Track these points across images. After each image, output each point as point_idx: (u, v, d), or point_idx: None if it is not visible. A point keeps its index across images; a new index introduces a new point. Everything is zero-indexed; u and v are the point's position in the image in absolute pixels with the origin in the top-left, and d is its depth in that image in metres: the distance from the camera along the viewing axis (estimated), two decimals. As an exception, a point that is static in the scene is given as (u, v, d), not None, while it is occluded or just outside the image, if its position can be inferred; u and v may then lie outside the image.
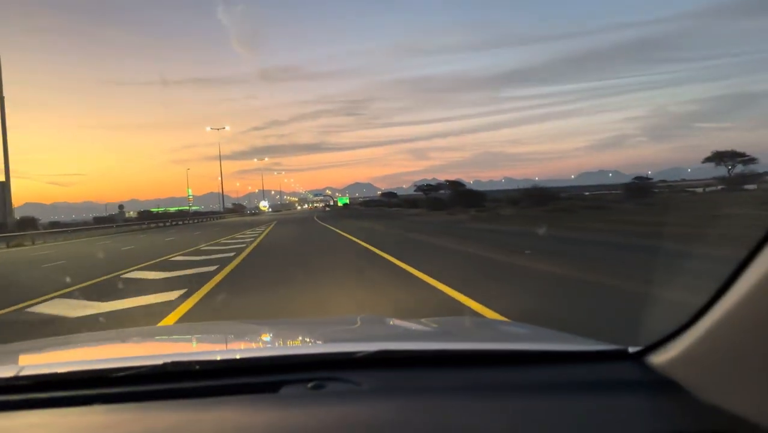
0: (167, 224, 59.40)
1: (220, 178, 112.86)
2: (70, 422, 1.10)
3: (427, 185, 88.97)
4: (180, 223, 62.48)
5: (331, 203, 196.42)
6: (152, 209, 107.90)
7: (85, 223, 59.23)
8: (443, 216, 36.49)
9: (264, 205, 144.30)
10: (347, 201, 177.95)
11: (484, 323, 2.55)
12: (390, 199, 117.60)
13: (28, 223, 41.10)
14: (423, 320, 2.18)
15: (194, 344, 2.06)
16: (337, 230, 24.19)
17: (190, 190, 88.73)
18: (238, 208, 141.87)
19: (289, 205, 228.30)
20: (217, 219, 77.73)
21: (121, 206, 68.87)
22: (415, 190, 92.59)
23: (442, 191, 77.18)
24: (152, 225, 55.84)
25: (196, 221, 69.59)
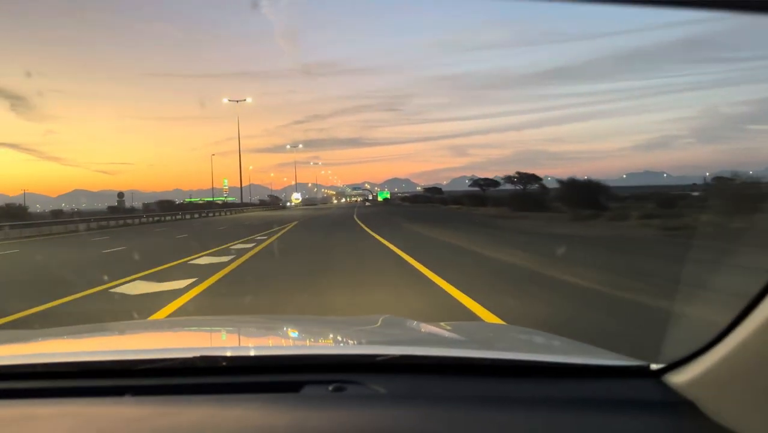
0: (166, 218, 47.87)
1: (239, 165, 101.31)
2: (101, 413, 1.12)
3: (485, 180, 78.24)
4: (187, 216, 52.50)
5: (370, 198, 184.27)
6: (187, 200, 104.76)
7: (92, 213, 47.26)
8: (557, 221, 23.64)
9: (296, 197, 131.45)
10: (388, 195, 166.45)
11: (504, 330, 2.52)
12: (434, 195, 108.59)
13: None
14: (443, 324, 2.17)
15: (221, 338, 2.07)
16: (413, 261, 10.44)
17: (226, 181, 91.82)
18: (273, 201, 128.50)
19: (326, 199, 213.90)
20: (231, 213, 65.61)
21: (120, 194, 53.76)
22: (470, 185, 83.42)
23: (500, 186, 70.91)
24: (149, 219, 45.27)
25: (206, 213, 59.64)
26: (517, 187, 68.72)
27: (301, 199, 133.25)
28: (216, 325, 2.52)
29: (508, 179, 71.23)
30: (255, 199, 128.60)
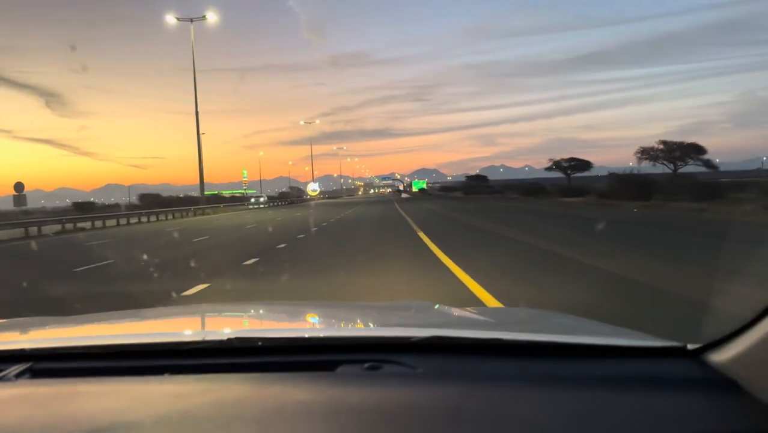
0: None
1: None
2: (143, 390, 1.16)
3: (572, 160, 65.88)
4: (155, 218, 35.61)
5: (401, 188, 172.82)
6: (217, 192, 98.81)
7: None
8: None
9: (313, 189, 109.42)
10: (424, 185, 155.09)
11: (537, 315, 2.41)
12: (478, 184, 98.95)
13: None
14: (475, 309, 2.22)
15: (256, 321, 2.19)
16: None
17: (245, 172, 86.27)
18: (295, 192, 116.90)
19: (352, 191, 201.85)
20: (210, 212, 44.84)
21: (18, 186, 27.23)
22: (550, 168, 69.00)
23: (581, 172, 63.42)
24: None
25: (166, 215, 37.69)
26: (559, 175, 64.74)
27: (318, 190, 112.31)
28: (248, 309, 2.56)
29: (557, 165, 65.97)
30: (275, 191, 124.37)
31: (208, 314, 2.34)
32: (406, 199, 78.28)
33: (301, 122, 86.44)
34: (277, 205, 72.02)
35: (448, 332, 1.39)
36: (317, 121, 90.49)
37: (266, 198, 77.65)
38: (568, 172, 66.85)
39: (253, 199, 70.83)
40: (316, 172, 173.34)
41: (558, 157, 68.34)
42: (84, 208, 45.45)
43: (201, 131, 45.68)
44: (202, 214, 42.28)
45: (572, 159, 68.58)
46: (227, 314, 2.36)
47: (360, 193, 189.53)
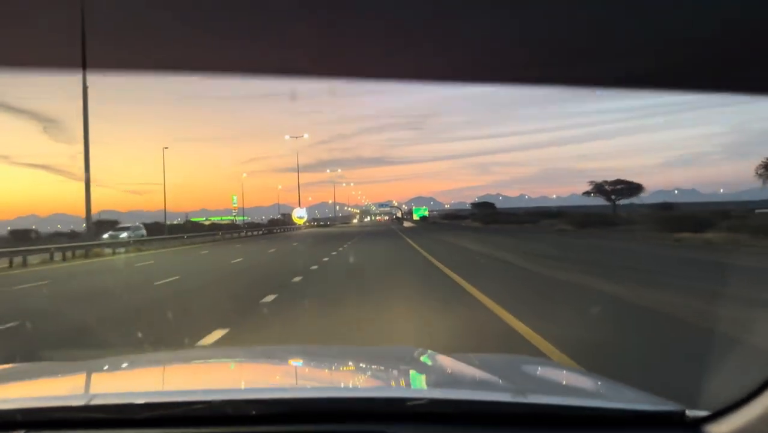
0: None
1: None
2: None
3: (618, 183, 55.60)
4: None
5: (400, 216, 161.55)
6: (204, 219, 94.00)
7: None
8: None
9: (300, 216, 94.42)
10: (426, 213, 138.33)
11: (535, 365, 2.36)
12: (483, 211, 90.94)
13: None
14: (471, 355, 2.14)
15: (240, 380, 2.04)
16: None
17: (235, 198, 79.09)
18: (287, 220, 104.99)
19: (347, 218, 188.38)
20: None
21: None
22: (587, 192, 58.61)
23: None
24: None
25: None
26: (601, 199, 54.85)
27: (305, 217, 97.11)
28: (229, 356, 2.48)
29: (598, 190, 55.92)
30: (268, 218, 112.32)
31: (194, 361, 2.28)
32: (411, 229, 64.18)
33: (287, 137, 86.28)
34: (249, 235, 54.79)
35: (445, 393, 1.35)
36: (305, 135, 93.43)
37: (142, 229, 42.18)
38: (613, 198, 55.68)
39: (108, 235, 35.57)
40: (310, 199, 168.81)
41: (600, 180, 57.28)
42: (19, 237, 37.07)
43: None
44: (84, 257, 25.70)
45: (618, 182, 56.79)
46: (214, 360, 2.30)
47: (355, 221, 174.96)
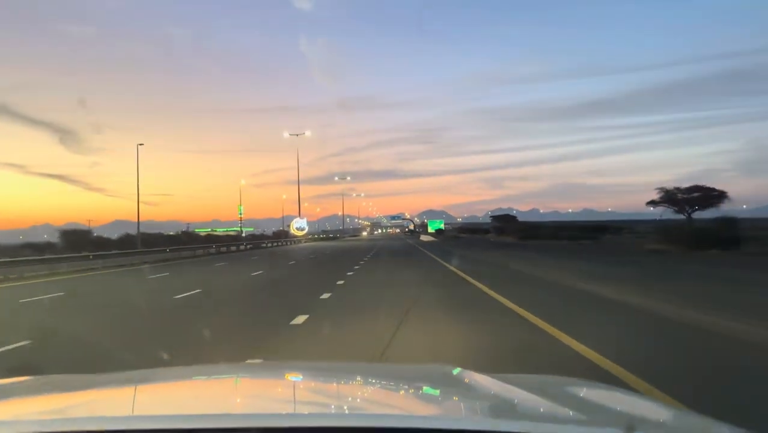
0: None
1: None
2: None
3: (695, 190, 43.11)
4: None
5: (412, 228, 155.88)
6: (210, 229, 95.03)
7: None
8: None
9: (300, 228, 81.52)
10: (442, 226, 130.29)
11: (567, 385, 1.88)
12: (504, 225, 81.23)
13: None
14: (511, 376, 1.89)
15: (265, 404, 1.71)
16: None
17: (241, 208, 75.63)
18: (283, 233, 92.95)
19: (356, 230, 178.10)
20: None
21: None
22: (653, 202, 45.62)
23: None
24: None
25: None
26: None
27: (306, 229, 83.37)
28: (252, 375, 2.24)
29: (668, 198, 43.50)
30: (273, 230, 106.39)
31: (214, 376, 2.12)
32: (431, 244, 54.75)
33: (286, 134, 74.64)
34: (228, 252, 44.41)
35: (497, 424, 1.23)
36: (307, 133, 74.97)
37: None
38: (688, 209, 42.95)
39: None
40: (318, 210, 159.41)
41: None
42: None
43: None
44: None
45: (695, 188, 43.73)
46: (224, 376, 2.13)
47: (365, 234, 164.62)
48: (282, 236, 79.30)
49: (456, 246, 43.44)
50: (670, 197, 44.36)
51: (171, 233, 65.54)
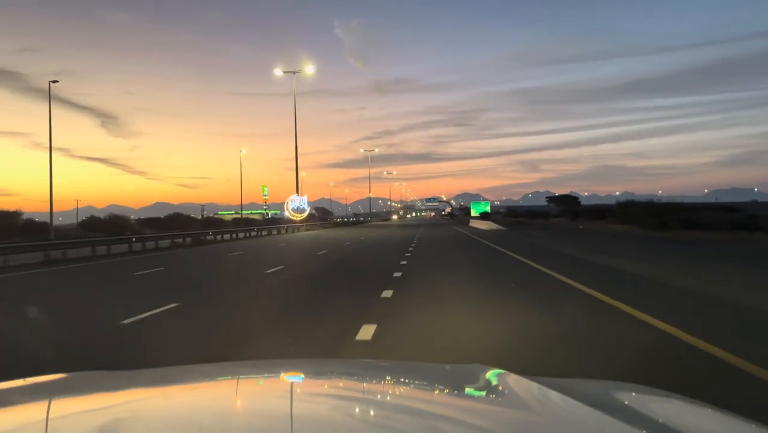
0: None
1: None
2: None
3: None
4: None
5: (450, 212, 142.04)
6: (234, 212, 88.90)
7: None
8: None
9: (298, 209, 59.80)
10: (488, 208, 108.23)
11: (675, 408, 1.42)
12: (565, 208, 73.40)
13: None
14: (556, 381, 1.53)
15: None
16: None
17: (265, 189, 71.44)
18: (321, 215, 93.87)
19: (388, 213, 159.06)
20: None
21: None
22: None
23: None
24: None
25: None
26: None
27: (307, 210, 61.17)
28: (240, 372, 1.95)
29: None
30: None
31: (244, 376, 1.85)
32: (501, 236, 32.24)
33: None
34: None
35: None
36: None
37: None
38: None
39: None
40: (353, 195, 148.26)
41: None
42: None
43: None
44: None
45: None
46: (252, 376, 1.86)
47: (395, 217, 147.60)
48: (272, 222, 62.79)
49: (561, 243, 24.31)
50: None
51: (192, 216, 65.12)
